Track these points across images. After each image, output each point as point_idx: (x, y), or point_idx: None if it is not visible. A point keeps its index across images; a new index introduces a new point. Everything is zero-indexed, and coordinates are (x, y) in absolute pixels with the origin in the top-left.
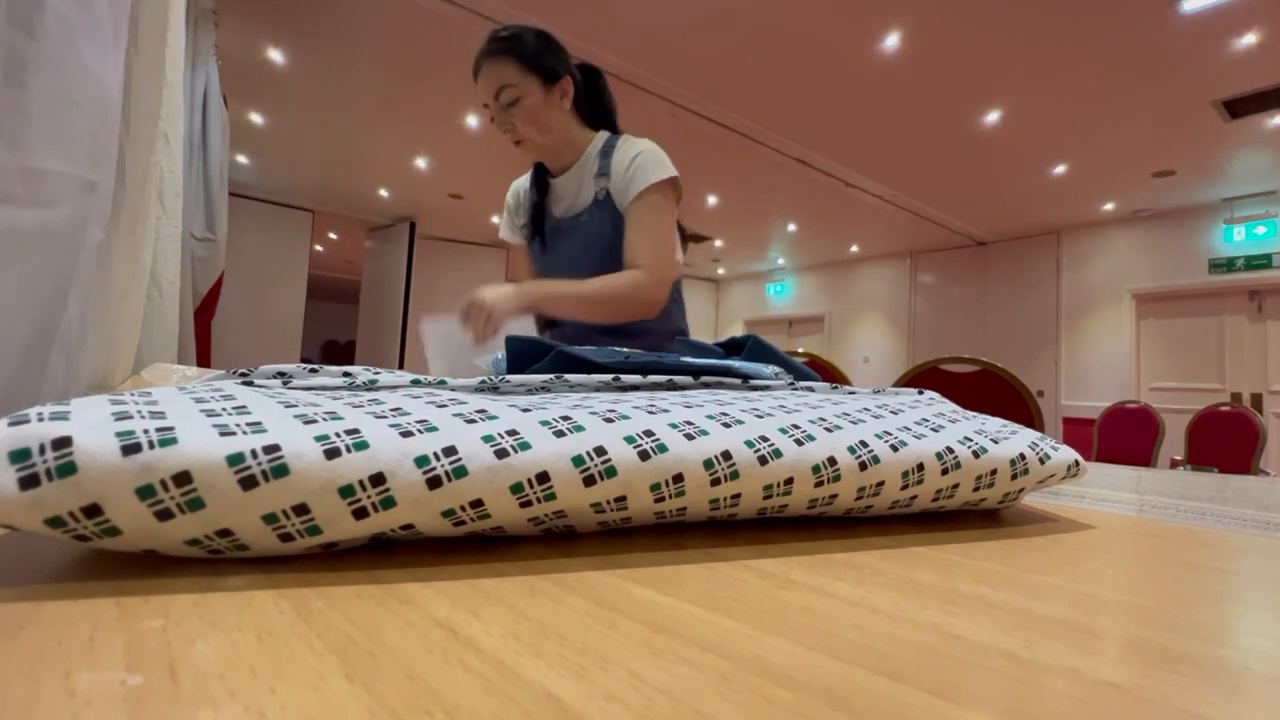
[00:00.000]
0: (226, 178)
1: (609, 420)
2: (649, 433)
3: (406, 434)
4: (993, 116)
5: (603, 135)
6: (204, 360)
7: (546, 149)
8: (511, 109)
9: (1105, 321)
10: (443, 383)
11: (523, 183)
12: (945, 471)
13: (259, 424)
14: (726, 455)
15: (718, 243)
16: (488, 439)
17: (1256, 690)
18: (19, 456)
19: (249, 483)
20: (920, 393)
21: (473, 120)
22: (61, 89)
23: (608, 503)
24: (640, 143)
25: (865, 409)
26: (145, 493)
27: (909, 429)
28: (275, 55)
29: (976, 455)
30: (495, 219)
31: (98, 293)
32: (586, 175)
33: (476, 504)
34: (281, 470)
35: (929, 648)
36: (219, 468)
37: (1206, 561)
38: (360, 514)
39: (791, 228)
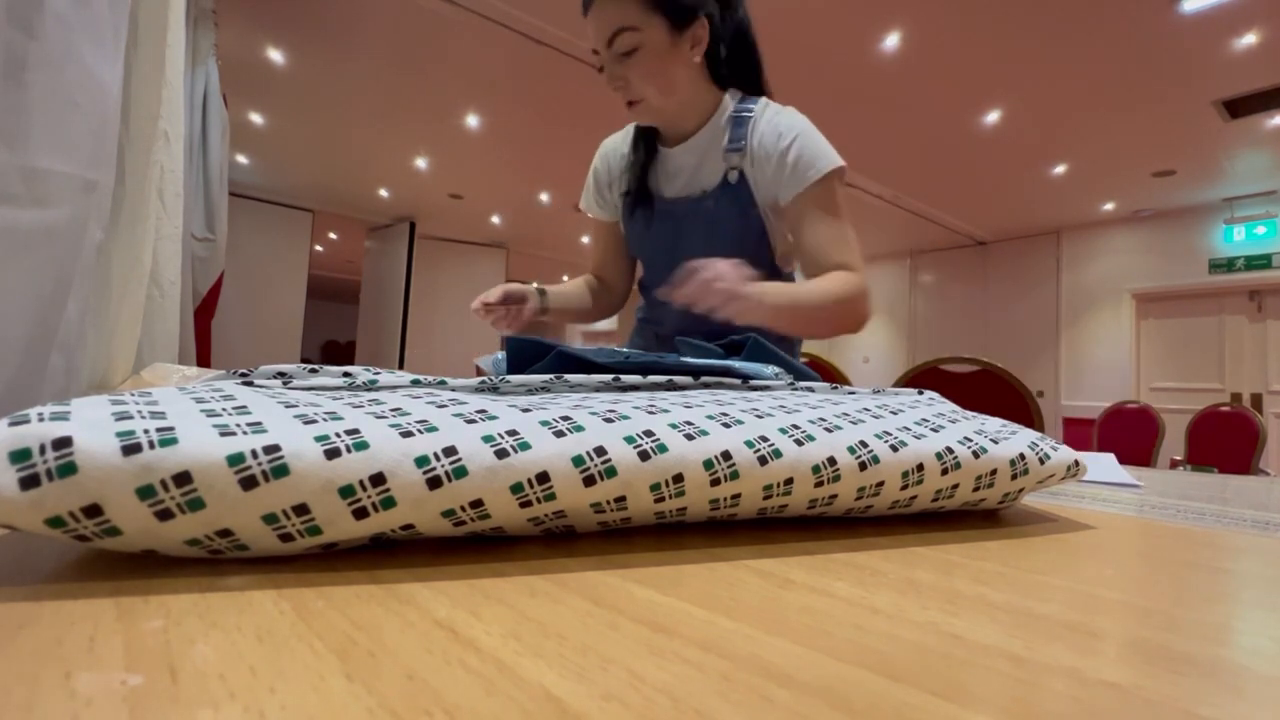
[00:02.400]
0: (226, 178)
1: (609, 420)
2: (649, 433)
3: (406, 434)
4: (993, 116)
5: (734, 96)
6: (204, 360)
7: (666, 113)
8: (628, 60)
9: (1105, 321)
10: (443, 383)
11: (617, 143)
12: (945, 472)
13: (259, 424)
14: (726, 455)
15: None
16: (488, 439)
17: (1256, 690)
18: (19, 456)
19: (249, 483)
20: (920, 393)
21: (473, 120)
22: (61, 89)
23: (608, 503)
24: (788, 116)
25: (865, 409)
26: (145, 493)
27: (909, 429)
28: (275, 55)
29: (976, 455)
30: (495, 219)
31: (98, 293)
32: (713, 149)
33: (476, 504)
34: (282, 470)
35: (929, 648)
36: (219, 468)
37: (1206, 561)
38: (360, 514)
39: None
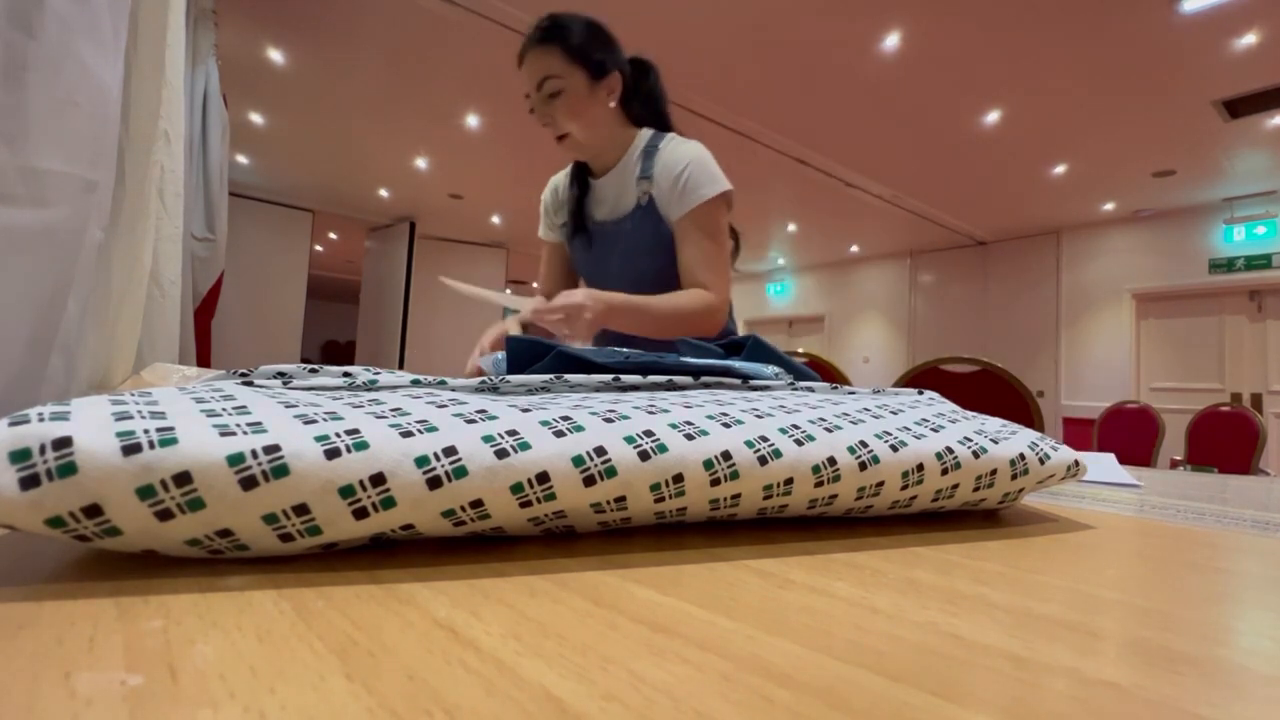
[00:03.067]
0: (226, 178)
1: (609, 420)
2: (649, 433)
3: (406, 434)
4: (993, 116)
5: (645, 134)
6: (204, 360)
7: (589, 147)
8: (554, 100)
9: (1105, 321)
10: (443, 383)
11: (561, 179)
12: (945, 472)
13: (259, 424)
14: (726, 455)
15: None
16: (488, 439)
17: (1256, 690)
18: (19, 456)
19: (249, 483)
20: (920, 393)
21: (473, 120)
22: (61, 89)
23: (608, 503)
24: (686, 148)
25: (865, 409)
26: (145, 493)
27: (909, 429)
28: (275, 55)
29: (976, 455)
30: (495, 219)
31: (98, 293)
32: (629, 178)
33: (476, 504)
34: (282, 470)
35: (929, 648)
36: (219, 468)
37: (1206, 561)
38: (360, 514)
39: (791, 228)
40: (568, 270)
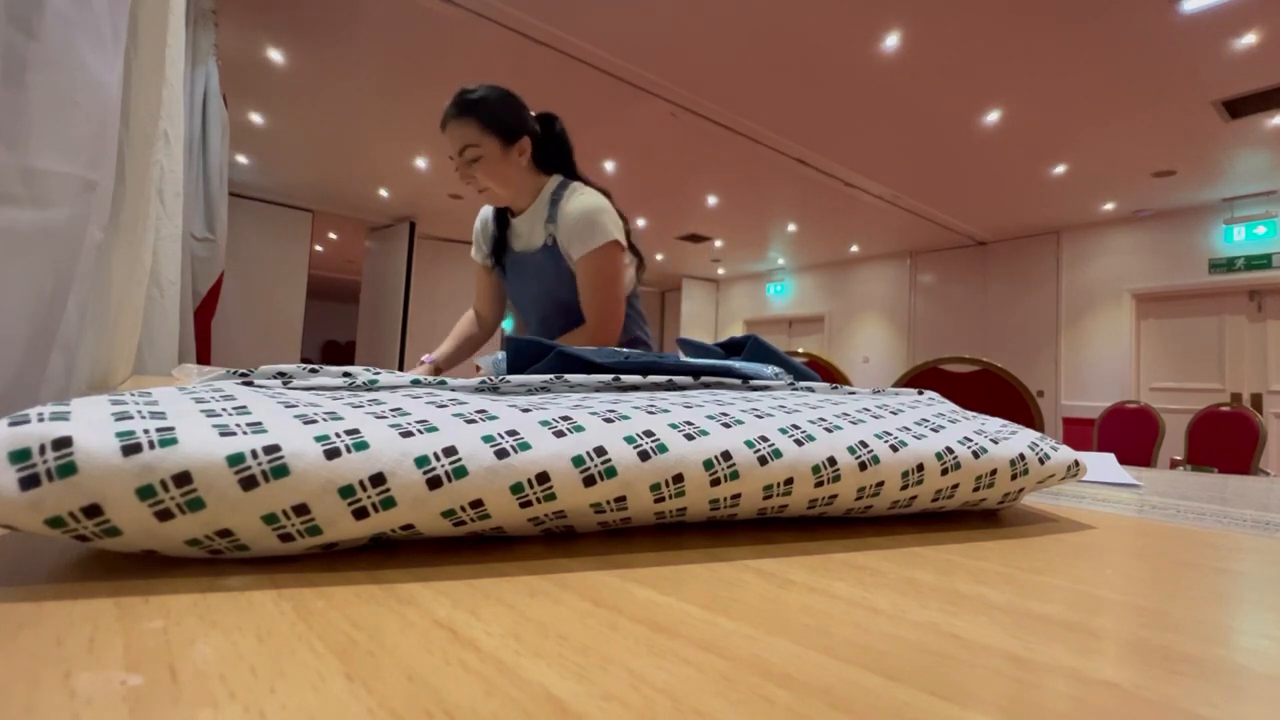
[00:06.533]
0: (226, 178)
1: (609, 420)
2: (649, 433)
3: (406, 434)
4: (993, 116)
5: (555, 180)
6: (204, 360)
7: (505, 198)
8: (474, 165)
9: (1105, 321)
10: (443, 383)
11: (489, 211)
12: (945, 472)
13: (259, 424)
14: (726, 455)
15: (718, 243)
16: (488, 439)
17: (1256, 690)
18: (19, 456)
19: (249, 483)
20: (920, 393)
21: None
22: (61, 89)
23: (608, 503)
24: (584, 198)
25: (865, 409)
26: (145, 493)
27: (909, 429)
28: (275, 55)
29: (976, 455)
30: None
31: (98, 293)
32: (539, 219)
33: (476, 504)
34: (281, 470)
35: (929, 648)
36: (219, 468)
37: (1206, 561)
38: (360, 514)
39: (791, 228)
40: (497, 291)
